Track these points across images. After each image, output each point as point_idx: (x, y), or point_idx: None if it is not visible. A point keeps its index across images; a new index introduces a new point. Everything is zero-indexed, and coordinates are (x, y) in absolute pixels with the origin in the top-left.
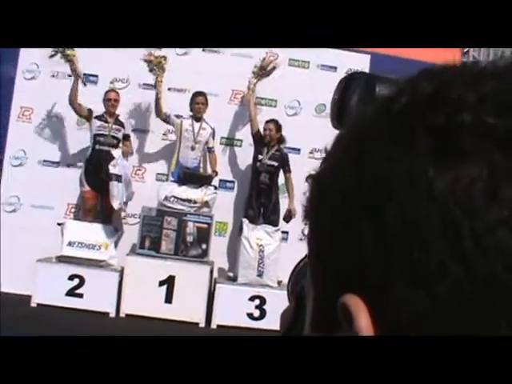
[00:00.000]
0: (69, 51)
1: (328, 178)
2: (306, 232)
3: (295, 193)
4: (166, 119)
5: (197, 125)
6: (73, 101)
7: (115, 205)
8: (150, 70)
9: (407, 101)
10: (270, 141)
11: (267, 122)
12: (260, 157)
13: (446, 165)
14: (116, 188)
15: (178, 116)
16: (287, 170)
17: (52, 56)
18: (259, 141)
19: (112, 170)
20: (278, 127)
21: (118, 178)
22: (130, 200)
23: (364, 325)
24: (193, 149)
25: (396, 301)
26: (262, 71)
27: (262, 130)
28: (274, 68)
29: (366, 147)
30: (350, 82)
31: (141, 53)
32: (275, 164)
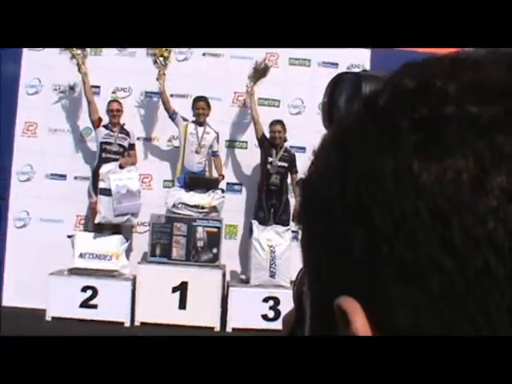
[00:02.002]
0: (74, 50)
1: (315, 181)
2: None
3: None
4: (173, 116)
5: (200, 129)
6: (89, 100)
7: (97, 219)
8: (154, 63)
9: (390, 95)
10: (279, 142)
11: (273, 123)
12: (270, 159)
13: (430, 158)
14: (102, 203)
15: (184, 118)
16: (295, 171)
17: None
18: (267, 143)
19: (101, 184)
20: (284, 127)
21: (106, 191)
22: (135, 212)
23: (360, 326)
24: (197, 152)
25: (390, 300)
26: (256, 73)
27: (266, 132)
28: (267, 67)
29: (350, 146)
30: (337, 83)
31: (142, 62)
32: (285, 165)
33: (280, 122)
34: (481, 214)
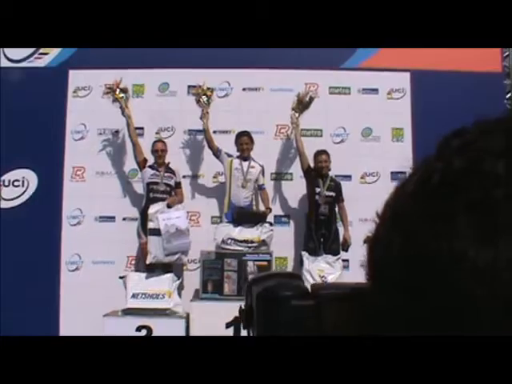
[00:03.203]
0: (117, 93)
1: (378, 250)
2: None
3: (349, 219)
4: (217, 153)
5: (245, 164)
6: (134, 141)
7: (148, 259)
8: (197, 102)
9: (442, 176)
10: (326, 172)
11: (319, 153)
12: (317, 189)
13: (484, 242)
14: (152, 243)
15: (228, 154)
16: (341, 200)
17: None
18: (313, 174)
19: (150, 224)
20: (329, 157)
21: (155, 231)
22: (185, 250)
23: None
24: (243, 187)
25: None
26: (301, 105)
27: (311, 163)
28: (311, 98)
29: (408, 228)
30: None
31: (184, 100)
32: (333, 194)
33: (325, 152)
34: None
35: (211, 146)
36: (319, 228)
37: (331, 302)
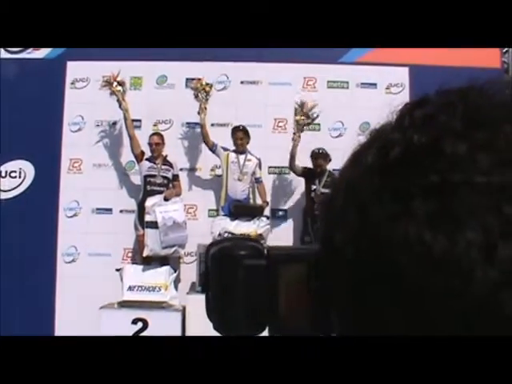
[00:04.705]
0: (114, 86)
1: (330, 219)
2: None
3: None
4: (213, 148)
5: (241, 157)
6: (131, 135)
7: (145, 252)
8: (196, 97)
9: (401, 151)
10: (321, 171)
11: (315, 157)
12: (313, 187)
13: (441, 229)
14: (149, 236)
15: (224, 148)
16: None
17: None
18: (310, 171)
19: (147, 217)
20: (327, 157)
21: (152, 224)
22: (182, 243)
23: None
24: (240, 180)
25: None
26: (301, 122)
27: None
28: (314, 117)
29: (364, 204)
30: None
31: (182, 93)
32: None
33: (322, 156)
34: (491, 286)
35: (206, 142)
36: (315, 222)
37: (284, 262)
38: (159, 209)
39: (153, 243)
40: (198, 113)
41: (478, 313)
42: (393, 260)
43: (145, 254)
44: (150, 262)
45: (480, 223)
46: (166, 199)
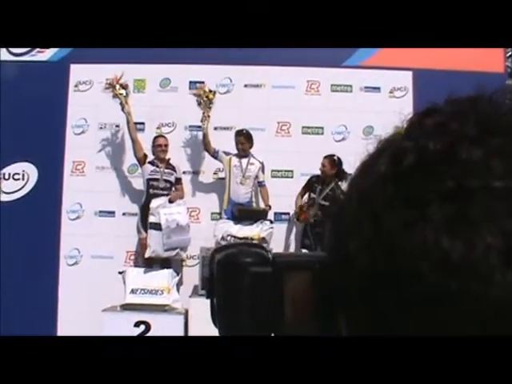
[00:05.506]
0: (116, 89)
1: (342, 228)
2: None
3: None
4: (215, 154)
5: (244, 160)
6: (133, 138)
7: (147, 253)
8: (199, 104)
9: (415, 158)
10: (324, 178)
11: (324, 157)
12: (313, 195)
13: (459, 234)
14: (152, 237)
15: (226, 153)
16: None
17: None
18: (313, 179)
19: (151, 219)
20: (334, 163)
21: (156, 226)
22: (184, 246)
23: None
24: (242, 184)
25: None
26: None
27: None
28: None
29: (378, 212)
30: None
31: (185, 96)
32: (327, 204)
33: (329, 157)
34: (510, 290)
35: (208, 149)
36: (313, 227)
37: (290, 269)
38: (164, 211)
39: (155, 245)
40: (201, 120)
41: (496, 316)
42: (410, 266)
43: (147, 256)
44: (152, 264)
45: (498, 227)
46: (170, 201)
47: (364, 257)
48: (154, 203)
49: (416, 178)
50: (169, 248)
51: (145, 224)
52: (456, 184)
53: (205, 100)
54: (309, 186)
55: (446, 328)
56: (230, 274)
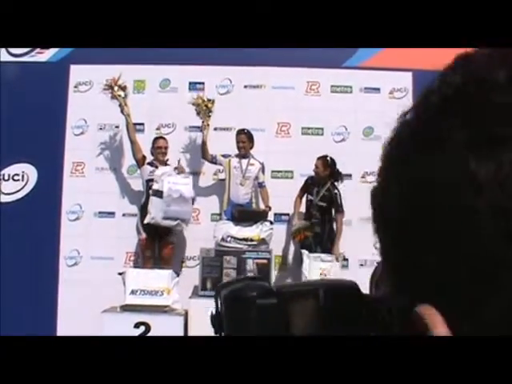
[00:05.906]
0: (115, 91)
1: (376, 192)
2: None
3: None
4: (213, 160)
5: (244, 161)
6: (132, 139)
7: (146, 219)
8: (198, 113)
9: (440, 94)
10: (318, 179)
11: (317, 158)
12: (310, 197)
13: (485, 154)
14: (153, 204)
15: (224, 156)
16: (338, 210)
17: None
18: (309, 181)
19: (154, 186)
20: (327, 164)
21: (158, 193)
22: (185, 217)
23: (442, 333)
24: (242, 185)
25: (468, 303)
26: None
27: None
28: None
29: (404, 149)
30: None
31: (185, 97)
32: (324, 205)
33: (322, 158)
34: None
35: (205, 157)
36: (314, 226)
37: (293, 299)
38: (168, 179)
39: (156, 212)
40: (201, 130)
41: None
42: (437, 197)
43: (146, 221)
44: (153, 266)
45: None
46: (176, 171)
47: (394, 197)
48: (159, 171)
49: (439, 110)
50: (167, 217)
51: (144, 225)
52: (479, 99)
53: (204, 109)
54: (305, 188)
55: (483, 244)
56: (236, 308)
